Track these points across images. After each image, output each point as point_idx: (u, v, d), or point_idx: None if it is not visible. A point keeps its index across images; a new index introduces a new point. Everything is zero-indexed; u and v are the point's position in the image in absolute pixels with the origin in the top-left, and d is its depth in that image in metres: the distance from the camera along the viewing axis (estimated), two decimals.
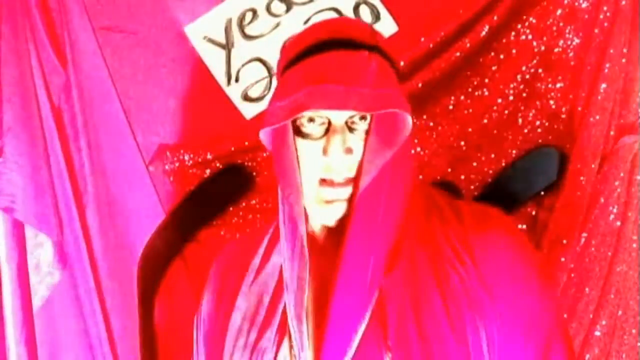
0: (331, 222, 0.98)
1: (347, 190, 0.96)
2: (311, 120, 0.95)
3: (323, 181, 0.96)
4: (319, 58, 0.95)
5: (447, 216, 1.01)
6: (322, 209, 0.98)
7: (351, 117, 0.95)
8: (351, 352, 0.93)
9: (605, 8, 1.38)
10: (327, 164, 0.95)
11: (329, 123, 0.95)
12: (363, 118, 0.95)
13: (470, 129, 1.44)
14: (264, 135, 1.00)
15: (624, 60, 1.38)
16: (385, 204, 0.96)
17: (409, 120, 0.95)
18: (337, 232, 0.98)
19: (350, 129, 0.95)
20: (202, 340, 1.11)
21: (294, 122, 0.96)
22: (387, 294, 0.95)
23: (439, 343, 0.93)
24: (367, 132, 0.95)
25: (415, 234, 0.99)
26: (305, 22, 1.49)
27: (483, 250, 0.97)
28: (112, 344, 1.49)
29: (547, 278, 1.00)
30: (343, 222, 0.97)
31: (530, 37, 1.42)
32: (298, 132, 0.97)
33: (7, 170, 1.38)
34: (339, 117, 0.94)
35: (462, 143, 1.44)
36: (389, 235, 0.97)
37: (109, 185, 1.52)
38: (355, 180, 0.96)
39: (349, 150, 0.94)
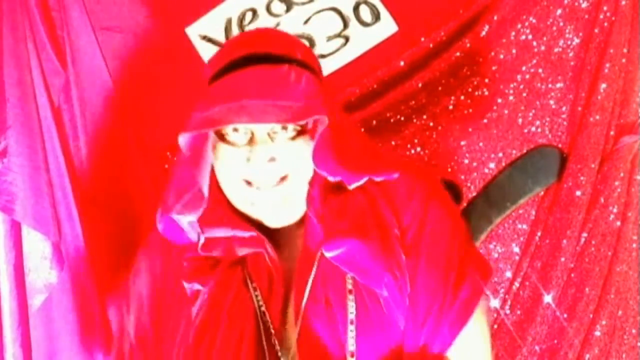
0: (272, 224, 1.05)
1: (277, 193, 1.03)
2: (235, 130, 1.02)
3: (248, 183, 1.03)
4: (240, 73, 1.01)
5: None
6: (252, 210, 1.05)
7: (272, 127, 1.02)
8: None
9: (605, 8, 1.39)
10: (251, 172, 1.02)
11: (252, 133, 1.02)
12: (284, 128, 1.02)
13: (470, 129, 1.44)
14: (183, 140, 1.05)
15: (624, 60, 1.38)
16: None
17: (326, 119, 1.01)
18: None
19: (272, 139, 1.02)
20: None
21: (218, 130, 1.03)
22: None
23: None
24: (293, 139, 1.02)
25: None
26: (305, 22, 1.49)
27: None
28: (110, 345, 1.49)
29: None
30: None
31: (530, 37, 1.42)
32: (222, 138, 1.04)
33: (6, 171, 1.38)
34: (261, 128, 1.01)
35: (462, 143, 1.44)
36: None
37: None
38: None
39: (272, 159, 1.01)
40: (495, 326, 1.40)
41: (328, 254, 1.01)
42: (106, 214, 1.52)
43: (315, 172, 1.04)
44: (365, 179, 1.04)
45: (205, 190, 1.05)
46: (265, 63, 1.02)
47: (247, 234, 1.05)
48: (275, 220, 1.05)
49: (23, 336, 1.38)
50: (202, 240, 1.06)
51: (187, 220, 1.06)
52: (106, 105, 1.53)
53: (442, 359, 1.01)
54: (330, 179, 1.04)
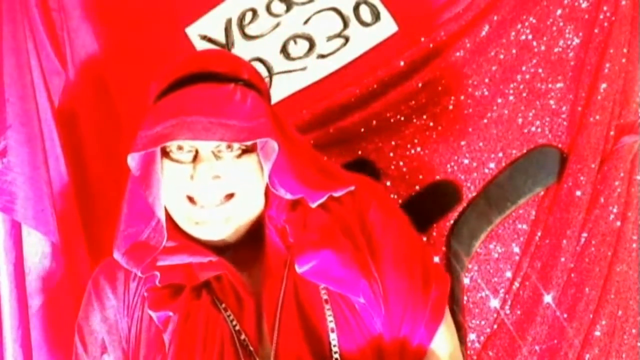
0: (212, 239, 1.04)
1: (221, 212, 1.02)
2: (180, 148, 1.02)
3: (191, 200, 1.02)
4: (187, 91, 1.00)
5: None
6: (195, 229, 1.04)
7: (217, 146, 1.01)
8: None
9: (605, 8, 1.39)
10: (195, 189, 1.01)
11: (197, 151, 1.01)
12: (229, 147, 1.01)
13: (470, 129, 1.44)
14: (132, 160, 1.03)
15: (624, 60, 1.38)
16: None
17: (275, 145, 1.00)
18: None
19: (217, 157, 1.00)
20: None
21: (163, 147, 1.02)
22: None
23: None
24: (239, 157, 1.02)
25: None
26: (305, 22, 1.49)
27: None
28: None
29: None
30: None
31: (530, 37, 1.42)
32: (167, 156, 1.03)
33: (6, 171, 1.38)
34: (205, 146, 1.01)
35: (462, 143, 1.44)
36: None
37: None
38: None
39: (216, 177, 1.01)
40: (495, 326, 1.40)
41: (300, 269, 1.01)
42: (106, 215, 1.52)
43: (270, 191, 1.05)
44: (327, 196, 1.05)
45: (162, 215, 1.03)
46: (211, 81, 1.01)
47: (205, 260, 1.05)
48: (215, 236, 1.04)
49: (23, 336, 1.38)
50: (158, 276, 1.04)
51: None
52: (105, 105, 1.53)
53: (426, 350, 1.04)
54: (289, 197, 1.04)
